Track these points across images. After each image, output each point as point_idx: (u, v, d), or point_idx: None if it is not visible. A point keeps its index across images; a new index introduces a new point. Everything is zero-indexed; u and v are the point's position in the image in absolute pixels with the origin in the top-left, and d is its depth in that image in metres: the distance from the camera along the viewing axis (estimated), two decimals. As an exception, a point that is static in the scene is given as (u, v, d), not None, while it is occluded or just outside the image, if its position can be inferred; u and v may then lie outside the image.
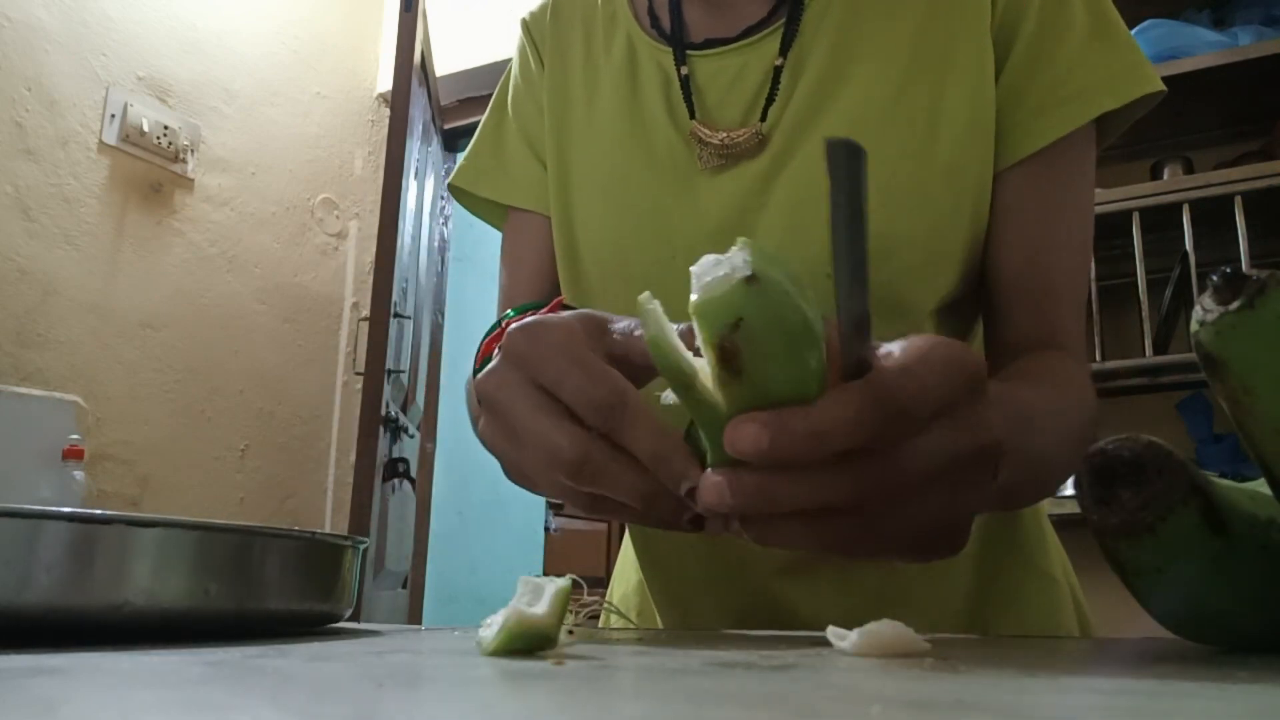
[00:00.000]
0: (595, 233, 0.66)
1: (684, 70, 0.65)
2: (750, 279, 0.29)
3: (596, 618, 0.55)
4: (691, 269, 0.30)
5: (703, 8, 0.67)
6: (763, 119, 0.62)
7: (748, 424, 0.30)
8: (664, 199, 0.63)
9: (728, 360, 0.30)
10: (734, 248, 0.30)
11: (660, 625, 0.71)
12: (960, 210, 0.59)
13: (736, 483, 0.31)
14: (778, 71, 0.62)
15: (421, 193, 2.65)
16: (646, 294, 0.33)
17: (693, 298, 0.30)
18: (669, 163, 0.64)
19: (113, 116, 2.33)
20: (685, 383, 0.32)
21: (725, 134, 0.62)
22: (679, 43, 0.66)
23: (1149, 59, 0.61)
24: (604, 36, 0.70)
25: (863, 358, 0.32)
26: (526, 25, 0.75)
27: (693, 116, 0.64)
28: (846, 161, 0.29)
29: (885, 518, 0.32)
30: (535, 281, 0.71)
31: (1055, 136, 0.59)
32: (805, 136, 0.61)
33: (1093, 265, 1.60)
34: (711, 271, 0.30)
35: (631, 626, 0.72)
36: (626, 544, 0.79)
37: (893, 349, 0.33)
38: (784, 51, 0.62)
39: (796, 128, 0.61)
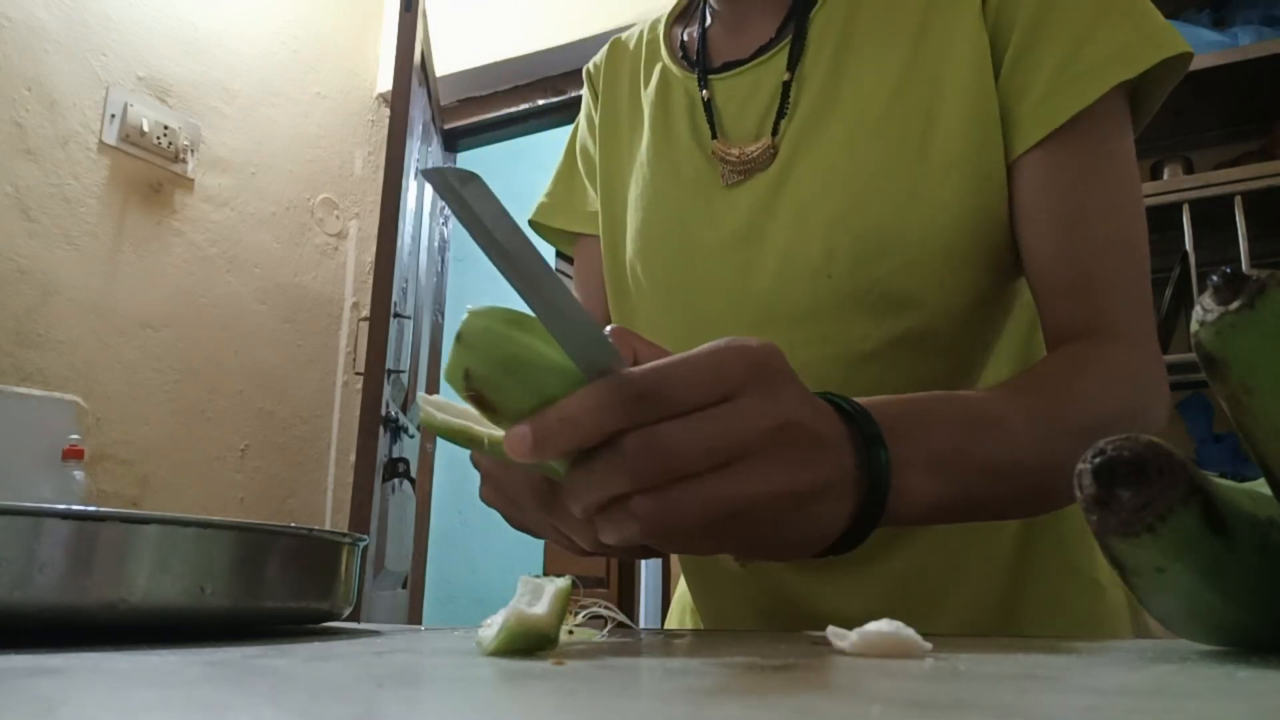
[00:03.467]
0: (630, 245, 0.72)
1: (705, 94, 0.69)
2: (458, 338, 0.35)
3: (596, 618, 0.55)
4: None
5: (723, 33, 0.72)
6: (774, 133, 0.64)
7: (515, 429, 0.35)
8: (685, 213, 0.68)
9: (481, 404, 0.35)
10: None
11: (700, 622, 0.75)
12: (963, 205, 0.59)
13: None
14: (786, 86, 0.65)
15: (421, 193, 2.65)
16: (421, 394, 0.41)
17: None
18: (692, 180, 0.68)
19: (113, 116, 2.33)
20: (468, 438, 0.39)
21: (740, 150, 0.65)
22: (702, 68, 0.71)
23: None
24: (645, 73, 0.76)
25: (606, 367, 0.35)
26: (588, 72, 0.83)
27: (714, 136, 0.68)
28: (460, 190, 0.31)
29: (681, 497, 0.35)
30: (601, 297, 0.78)
31: (1065, 117, 0.57)
32: (808, 146, 0.63)
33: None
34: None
35: (631, 626, 0.72)
36: None
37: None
38: (791, 66, 0.65)
39: (800, 138, 0.63)
